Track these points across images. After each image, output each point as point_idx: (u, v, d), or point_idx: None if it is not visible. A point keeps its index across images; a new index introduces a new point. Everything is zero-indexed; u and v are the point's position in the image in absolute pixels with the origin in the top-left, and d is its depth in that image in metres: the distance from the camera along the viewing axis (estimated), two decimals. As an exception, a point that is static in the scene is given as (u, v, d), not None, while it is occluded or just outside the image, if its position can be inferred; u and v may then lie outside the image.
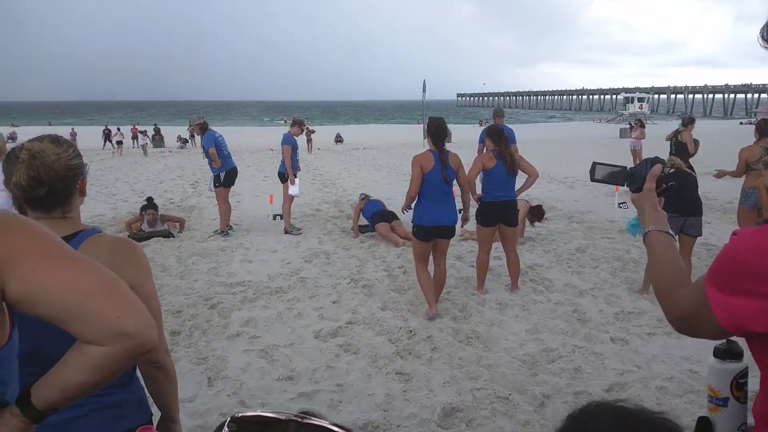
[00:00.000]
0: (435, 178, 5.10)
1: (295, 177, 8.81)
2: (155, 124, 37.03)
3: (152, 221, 8.74)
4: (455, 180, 5.28)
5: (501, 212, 5.74)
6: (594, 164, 1.53)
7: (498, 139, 5.82)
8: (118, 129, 32.33)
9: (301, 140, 9.36)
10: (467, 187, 5.47)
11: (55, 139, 1.66)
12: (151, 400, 1.81)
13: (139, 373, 1.78)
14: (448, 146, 5.58)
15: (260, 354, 4.57)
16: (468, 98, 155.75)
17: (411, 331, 4.93)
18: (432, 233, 5.22)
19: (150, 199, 9.07)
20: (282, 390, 4.00)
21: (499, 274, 6.41)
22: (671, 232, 1.36)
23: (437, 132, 5.20)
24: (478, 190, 5.88)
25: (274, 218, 9.79)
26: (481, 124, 40.33)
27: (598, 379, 4.08)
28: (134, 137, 31.95)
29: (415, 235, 5.30)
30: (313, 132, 30.91)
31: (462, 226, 5.94)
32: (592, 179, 1.55)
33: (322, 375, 4.21)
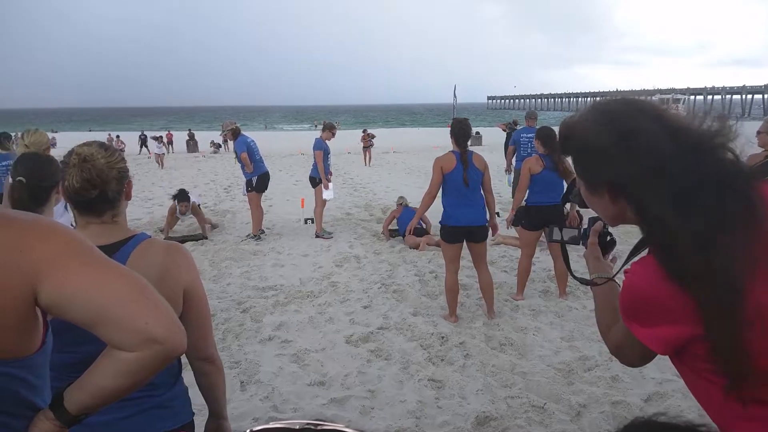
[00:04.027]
0: (456, 178, 5.07)
1: (328, 181, 8.85)
2: (189, 129, 37.60)
3: (184, 211, 8.87)
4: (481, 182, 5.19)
5: (549, 217, 5.58)
6: (551, 228, 1.73)
7: (549, 142, 5.68)
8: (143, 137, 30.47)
9: (333, 143, 9.29)
10: (490, 189, 5.33)
11: (103, 145, 1.73)
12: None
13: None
14: (478, 149, 5.51)
15: (292, 358, 4.58)
16: (498, 101, 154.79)
17: (443, 337, 4.88)
18: (459, 234, 5.16)
19: (182, 191, 9.04)
20: (314, 395, 3.99)
21: (533, 280, 6.32)
22: (614, 279, 1.50)
23: (459, 133, 5.16)
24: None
25: (306, 222, 9.84)
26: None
27: (636, 388, 3.98)
28: (169, 142, 32.41)
29: (443, 238, 5.25)
30: (372, 137, 23.36)
31: (492, 235, 5.82)
32: (549, 240, 1.76)
33: (354, 381, 4.19)
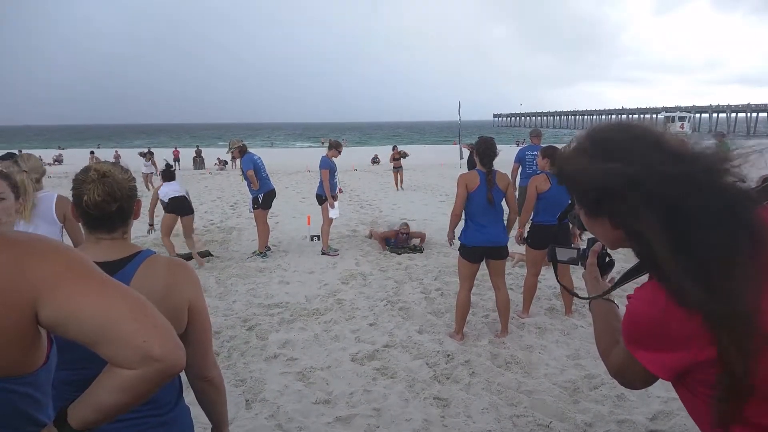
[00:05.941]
0: (480, 198, 5.04)
1: (335, 200, 8.89)
2: (197, 146, 37.82)
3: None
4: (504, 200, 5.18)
5: (556, 236, 5.50)
6: (552, 247, 1.73)
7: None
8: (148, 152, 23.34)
9: (339, 160, 9.32)
10: (515, 207, 5.35)
11: (115, 164, 1.79)
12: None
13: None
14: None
15: (297, 376, 4.58)
16: (505, 118, 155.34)
17: (449, 355, 4.87)
18: (478, 254, 5.12)
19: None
20: (319, 413, 3.99)
21: (539, 297, 6.30)
22: (612, 300, 1.50)
23: (485, 152, 5.08)
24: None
25: (312, 239, 9.86)
26: (518, 144, 40.11)
27: (642, 407, 3.96)
28: (176, 159, 32.57)
29: (462, 255, 5.19)
30: (404, 156, 19.76)
31: (519, 243, 5.85)
32: (549, 260, 1.75)
33: (359, 399, 4.18)
